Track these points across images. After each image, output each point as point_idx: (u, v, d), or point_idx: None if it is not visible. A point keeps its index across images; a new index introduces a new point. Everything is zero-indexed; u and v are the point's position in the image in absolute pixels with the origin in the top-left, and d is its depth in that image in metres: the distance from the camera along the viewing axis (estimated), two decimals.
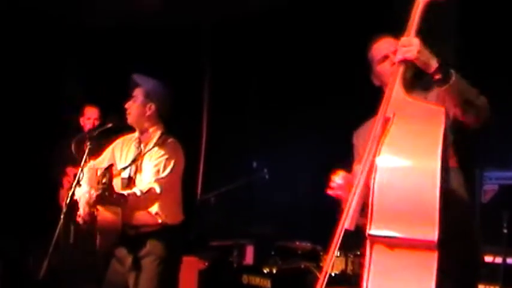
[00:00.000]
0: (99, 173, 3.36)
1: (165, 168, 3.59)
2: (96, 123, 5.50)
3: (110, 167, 3.30)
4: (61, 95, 6.06)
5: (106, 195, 3.20)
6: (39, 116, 6.31)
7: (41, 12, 6.45)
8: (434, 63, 2.39)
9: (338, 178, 2.56)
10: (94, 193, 3.20)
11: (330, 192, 2.57)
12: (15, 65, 6.34)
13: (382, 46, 2.76)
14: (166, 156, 3.61)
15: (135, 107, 3.74)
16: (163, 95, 3.83)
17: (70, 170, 5.26)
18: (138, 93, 3.75)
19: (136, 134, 3.82)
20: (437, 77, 2.40)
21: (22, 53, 6.42)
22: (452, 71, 2.39)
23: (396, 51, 2.44)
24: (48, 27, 6.61)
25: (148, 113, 3.76)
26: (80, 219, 3.50)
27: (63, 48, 6.82)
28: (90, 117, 5.54)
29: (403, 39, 2.39)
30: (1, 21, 6.15)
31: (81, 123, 5.58)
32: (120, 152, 3.83)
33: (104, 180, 3.19)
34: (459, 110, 2.44)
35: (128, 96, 3.81)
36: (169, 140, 3.73)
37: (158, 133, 3.76)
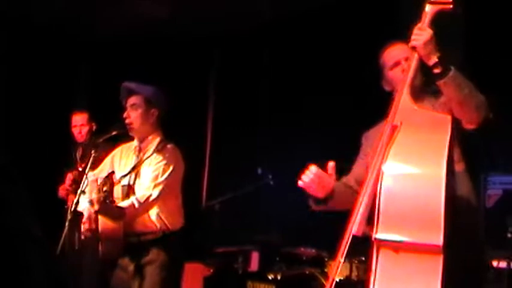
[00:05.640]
0: (99, 182, 3.41)
1: (163, 173, 3.60)
2: (84, 129, 5.44)
3: (110, 175, 3.33)
4: (70, 107, 6.08)
5: (107, 203, 3.23)
6: (47, 127, 6.35)
7: (49, 25, 6.52)
8: (435, 57, 2.44)
9: (310, 172, 2.61)
10: (96, 205, 3.24)
11: (300, 183, 2.64)
12: (24, 79, 6.41)
13: (393, 52, 2.78)
14: (165, 162, 3.63)
15: (137, 115, 3.71)
16: (164, 99, 3.84)
17: (67, 176, 5.27)
18: (138, 101, 3.72)
19: (135, 143, 3.81)
20: (436, 70, 2.44)
21: (32, 67, 6.49)
22: (452, 67, 2.44)
23: (407, 58, 2.49)
24: (57, 40, 6.68)
25: (151, 119, 3.76)
26: (83, 233, 3.51)
27: (72, 61, 6.89)
28: (76, 124, 5.47)
29: (418, 26, 2.46)
30: (11, 36, 6.22)
31: (72, 132, 5.57)
32: (119, 161, 3.83)
33: (104, 188, 3.22)
34: (457, 105, 2.46)
35: (122, 106, 3.80)
36: (169, 146, 3.73)
37: (157, 139, 3.75)
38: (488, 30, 4.69)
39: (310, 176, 2.60)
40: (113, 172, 3.49)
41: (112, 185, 3.31)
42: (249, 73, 6.64)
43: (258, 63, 6.56)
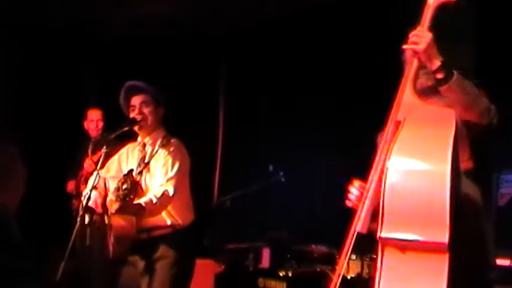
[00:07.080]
0: (107, 182, 3.47)
1: (172, 167, 3.64)
2: (100, 124, 5.57)
3: (129, 173, 3.35)
4: (79, 105, 6.13)
5: (126, 201, 3.24)
6: (57, 126, 6.40)
7: (52, 26, 6.56)
8: (437, 62, 2.35)
9: (354, 189, 2.47)
10: (115, 203, 3.25)
11: (349, 204, 2.48)
12: (27, 80, 6.46)
13: None
14: (171, 156, 3.67)
15: (149, 112, 3.76)
16: (166, 99, 3.88)
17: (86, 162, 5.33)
18: (148, 99, 3.77)
19: (139, 139, 3.85)
20: (438, 76, 2.36)
21: (41, 67, 6.54)
22: (455, 71, 2.36)
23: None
24: (65, 39, 6.72)
25: (158, 117, 3.82)
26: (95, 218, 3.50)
27: (80, 60, 6.94)
28: (93, 119, 5.61)
29: (417, 30, 2.37)
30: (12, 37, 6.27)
31: (86, 127, 5.64)
32: (126, 160, 3.87)
33: (124, 187, 3.23)
34: (462, 110, 2.37)
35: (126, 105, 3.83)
36: (172, 140, 3.77)
37: (161, 135, 3.80)
38: (500, 25, 4.64)
39: (357, 194, 2.44)
40: (132, 170, 3.50)
41: (132, 182, 3.32)
42: (257, 70, 6.63)
43: (266, 60, 6.55)
